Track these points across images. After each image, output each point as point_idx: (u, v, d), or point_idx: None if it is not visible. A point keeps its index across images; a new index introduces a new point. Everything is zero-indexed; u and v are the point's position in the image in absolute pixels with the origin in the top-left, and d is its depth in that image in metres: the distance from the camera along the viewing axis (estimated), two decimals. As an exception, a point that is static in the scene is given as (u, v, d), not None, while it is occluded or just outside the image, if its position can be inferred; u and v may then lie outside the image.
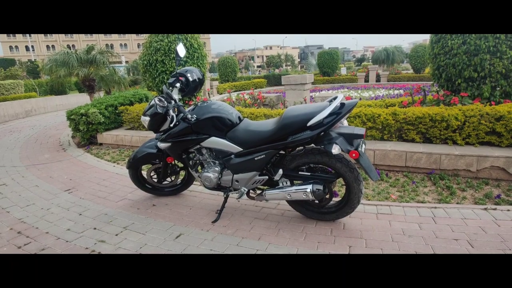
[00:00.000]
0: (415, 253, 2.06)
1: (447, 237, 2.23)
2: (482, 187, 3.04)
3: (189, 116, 2.54)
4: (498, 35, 3.85)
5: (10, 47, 55.95)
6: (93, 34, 57.72)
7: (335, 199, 2.61)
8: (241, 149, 2.47)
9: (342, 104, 2.19)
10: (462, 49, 4.10)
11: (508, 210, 2.55)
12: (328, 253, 2.13)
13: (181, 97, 2.78)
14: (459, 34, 4.12)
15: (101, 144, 5.77)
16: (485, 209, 2.59)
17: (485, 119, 3.34)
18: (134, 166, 3.11)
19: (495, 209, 2.58)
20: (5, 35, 54.46)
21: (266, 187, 2.59)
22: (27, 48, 53.75)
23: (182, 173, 3.28)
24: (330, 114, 2.14)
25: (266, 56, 71.15)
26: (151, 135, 4.66)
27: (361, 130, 2.19)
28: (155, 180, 3.20)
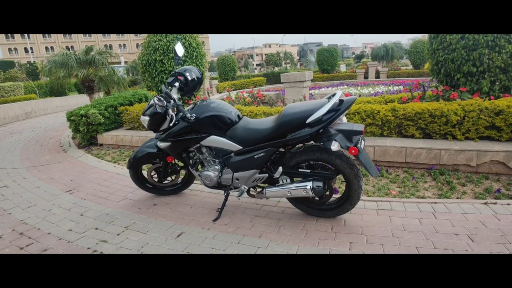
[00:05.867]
0: (415, 248, 2.07)
1: (448, 232, 2.23)
2: (482, 182, 3.04)
3: (189, 115, 2.54)
4: (496, 29, 3.84)
5: (9, 49, 55.96)
6: (92, 35, 57.72)
7: (335, 196, 2.61)
8: (241, 147, 2.48)
9: (341, 101, 2.19)
10: (461, 44, 4.09)
11: (508, 204, 2.55)
12: (329, 253, 2.13)
13: (180, 97, 2.78)
14: (457, 29, 4.12)
15: (101, 144, 5.78)
16: (485, 203, 2.60)
17: (485, 114, 3.34)
18: (134, 166, 3.12)
19: (495, 203, 2.59)
20: (4, 37, 54.48)
21: (266, 185, 2.60)
22: (26, 50, 53.76)
23: (183, 172, 3.29)
24: (329, 111, 2.14)
25: (265, 54, 71.10)
26: (151, 135, 4.67)
27: (360, 127, 2.19)
28: (156, 180, 3.21)
